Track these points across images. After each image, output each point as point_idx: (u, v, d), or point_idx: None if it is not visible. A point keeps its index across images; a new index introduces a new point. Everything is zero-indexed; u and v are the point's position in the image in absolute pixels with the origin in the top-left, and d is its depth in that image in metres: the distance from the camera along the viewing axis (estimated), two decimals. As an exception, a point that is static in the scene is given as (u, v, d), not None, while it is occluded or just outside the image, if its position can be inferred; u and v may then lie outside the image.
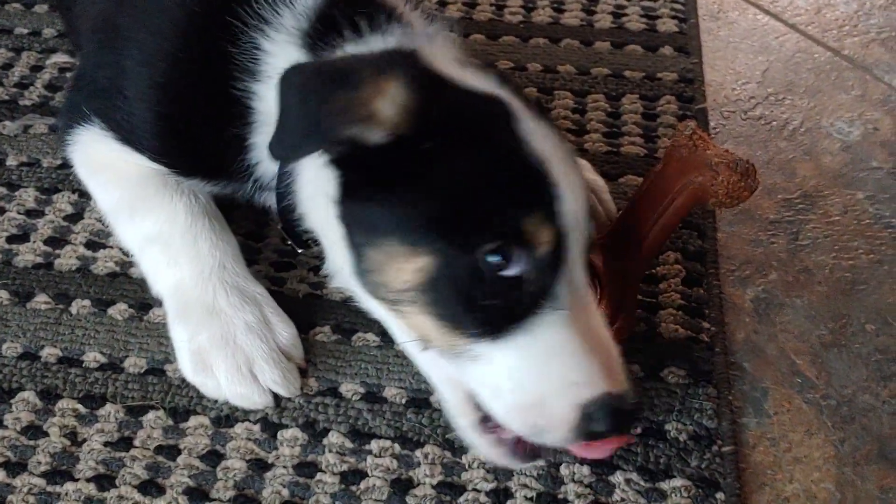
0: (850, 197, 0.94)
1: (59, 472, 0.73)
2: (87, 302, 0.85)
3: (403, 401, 0.77)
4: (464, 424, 0.69)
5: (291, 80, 0.62)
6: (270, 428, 0.75)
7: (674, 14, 1.14)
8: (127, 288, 0.86)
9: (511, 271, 0.63)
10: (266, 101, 0.74)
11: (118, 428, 0.76)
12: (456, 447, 0.73)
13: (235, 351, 0.75)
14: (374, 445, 0.74)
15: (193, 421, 0.76)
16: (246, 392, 0.74)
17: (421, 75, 0.64)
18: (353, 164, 0.65)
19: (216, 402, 0.76)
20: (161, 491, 0.72)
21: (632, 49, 1.09)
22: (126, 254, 0.88)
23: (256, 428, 0.75)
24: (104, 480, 0.72)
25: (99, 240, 0.91)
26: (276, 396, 0.76)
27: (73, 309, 0.84)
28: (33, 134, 1.03)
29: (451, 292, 0.64)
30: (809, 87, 1.06)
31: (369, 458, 0.73)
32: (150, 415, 0.77)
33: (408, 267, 0.65)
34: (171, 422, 0.76)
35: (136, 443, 0.75)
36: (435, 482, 0.71)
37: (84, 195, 0.94)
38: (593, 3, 1.17)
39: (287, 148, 0.64)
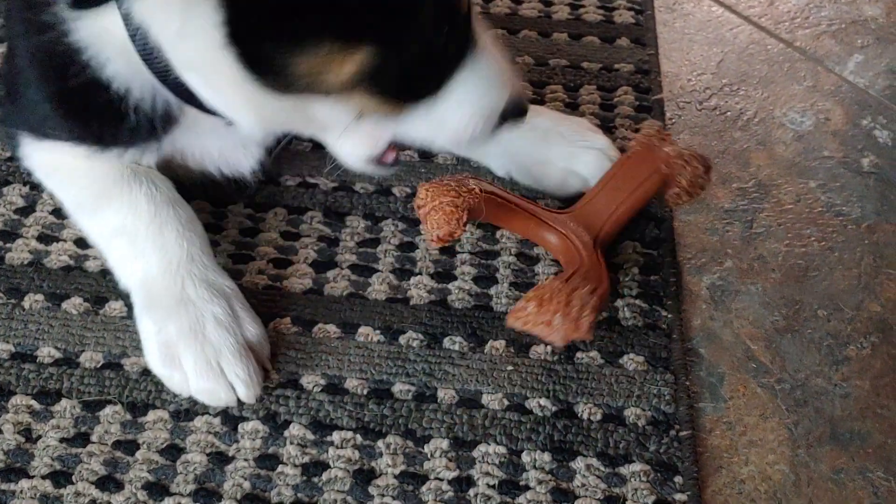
0: (803, 186, 0.96)
1: (14, 470, 0.71)
2: (40, 296, 0.83)
3: (365, 391, 0.76)
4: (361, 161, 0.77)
5: None
6: (231, 421, 0.74)
7: (630, 6, 1.15)
8: (82, 282, 0.84)
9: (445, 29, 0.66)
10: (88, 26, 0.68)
11: (74, 424, 0.74)
12: (418, 437, 0.74)
13: (204, 343, 0.73)
14: (336, 437, 0.74)
15: (152, 415, 0.75)
16: (213, 387, 0.73)
17: None
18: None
19: (175, 396, 0.75)
20: (119, 486, 0.71)
21: (589, 40, 1.10)
22: (80, 247, 0.87)
23: (216, 421, 0.74)
24: (60, 477, 0.71)
25: (52, 233, 0.89)
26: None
27: (26, 304, 0.82)
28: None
29: (393, 73, 0.65)
30: (763, 78, 1.08)
31: (331, 450, 0.73)
32: (108, 410, 0.75)
33: (346, 63, 0.62)
34: (129, 416, 0.75)
35: (94, 438, 0.74)
36: (397, 472, 0.72)
37: (35, 187, 0.92)
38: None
39: None
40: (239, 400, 0.74)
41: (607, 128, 0.99)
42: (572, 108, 1.02)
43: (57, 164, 0.83)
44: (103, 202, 0.80)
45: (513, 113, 0.75)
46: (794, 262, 0.89)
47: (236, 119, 0.70)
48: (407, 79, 0.67)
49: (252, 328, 0.76)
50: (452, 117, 0.72)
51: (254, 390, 0.74)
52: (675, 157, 0.82)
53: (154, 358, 0.75)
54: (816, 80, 1.08)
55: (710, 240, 0.91)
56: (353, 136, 0.73)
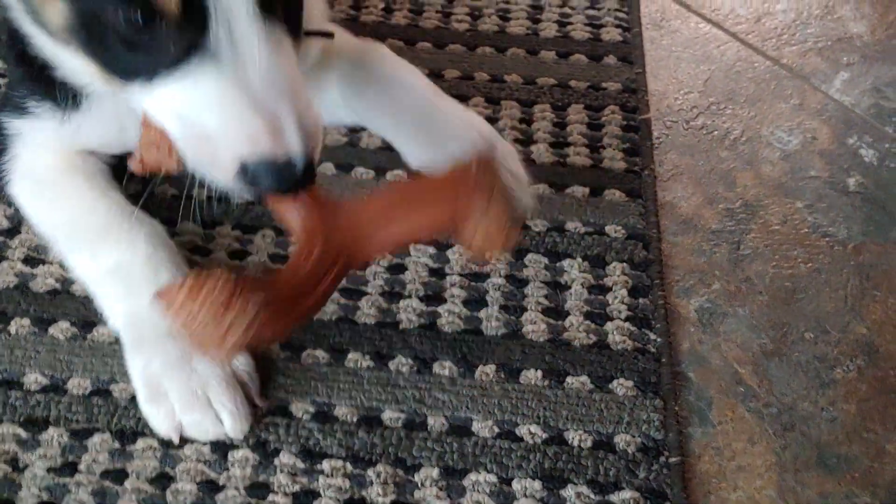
0: (790, 206, 0.96)
1: (1, 501, 0.71)
2: (26, 321, 0.82)
3: (354, 419, 0.76)
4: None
5: None
6: (220, 449, 0.74)
7: (617, 23, 1.16)
8: (68, 305, 0.84)
9: (144, 28, 0.61)
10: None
11: (62, 452, 0.74)
12: (408, 465, 0.74)
13: (191, 375, 0.73)
14: (326, 465, 0.73)
15: (141, 443, 0.74)
16: (199, 418, 0.72)
17: None
18: None
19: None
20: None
21: (577, 58, 1.10)
22: (67, 270, 0.86)
23: (206, 449, 0.74)
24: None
25: (37, 255, 0.88)
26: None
27: (12, 328, 0.82)
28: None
29: (92, 38, 0.64)
30: (750, 96, 1.08)
31: (321, 479, 0.73)
32: (96, 438, 0.75)
33: (53, 7, 0.65)
34: (117, 444, 0.74)
35: (82, 467, 0.73)
36: (388, 501, 0.71)
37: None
38: (538, 11, 1.17)
39: None
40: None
41: (595, 147, 0.99)
42: (560, 126, 1.02)
43: (47, 182, 0.83)
44: (100, 239, 0.80)
45: (262, 179, 0.64)
46: (781, 284, 0.89)
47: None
48: (113, 51, 0.64)
49: (241, 361, 0.76)
50: (158, 117, 0.66)
51: (241, 423, 0.73)
52: (477, 198, 0.68)
53: (141, 395, 0.74)
54: (803, 98, 1.08)
55: (698, 261, 0.91)
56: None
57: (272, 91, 0.63)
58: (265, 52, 0.62)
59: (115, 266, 0.78)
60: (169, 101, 0.64)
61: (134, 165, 0.71)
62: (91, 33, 0.64)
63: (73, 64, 0.71)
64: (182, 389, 0.72)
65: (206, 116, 0.64)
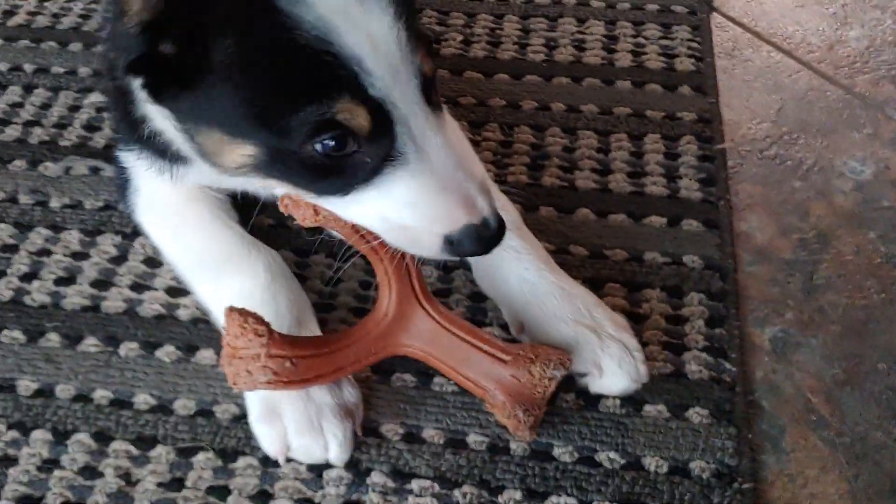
0: (863, 237, 0.98)
1: (113, 513, 0.77)
2: (134, 344, 0.89)
3: (441, 441, 0.81)
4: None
5: None
6: (316, 468, 0.79)
7: (690, 53, 1.18)
8: (174, 330, 0.90)
9: (343, 153, 0.67)
10: None
11: (170, 469, 0.80)
12: (492, 487, 0.78)
13: (307, 402, 0.77)
14: (415, 485, 0.78)
15: (242, 461, 0.80)
16: (310, 443, 0.77)
17: None
18: (141, 67, 0.67)
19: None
20: (210, 536, 0.76)
21: (652, 88, 1.13)
22: (172, 296, 0.93)
23: (303, 468, 0.79)
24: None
25: (144, 282, 0.95)
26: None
27: (122, 351, 0.89)
28: (75, 175, 1.07)
29: (288, 170, 0.71)
30: (822, 125, 1.10)
31: (410, 498, 0.77)
32: (201, 456, 0.81)
33: (237, 152, 0.71)
34: (220, 462, 0.80)
35: (188, 483, 0.79)
36: (473, 523, 0.76)
37: (127, 237, 0.99)
38: (612, 41, 1.20)
39: None
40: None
41: (672, 177, 1.02)
42: (637, 156, 1.05)
43: (172, 213, 0.90)
44: (226, 268, 0.86)
45: (466, 246, 0.72)
46: (854, 315, 0.91)
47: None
48: (313, 180, 0.71)
49: (351, 392, 0.80)
50: (360, 220, 0.73)
51: (346, 453, 0.78)
52: (538, 396, 0.76)
53: (254, 414, 0.79)
54: (876, 128, 1.09)
55: (772, 291, 0.93)
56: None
57: (454, 170, 0.70)
58: (440, 140, 0.70)
59: (237, 293, 0.83)
60: (367, 208, 0.71)
61: (283, 209, 0.78)
62: (284, 168, 0.70)
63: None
64: (298, 414, 0.77)
65: (405, 212, 0.71)
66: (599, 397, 0.83)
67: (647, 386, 0.83)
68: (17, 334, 0.91)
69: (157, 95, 0.70)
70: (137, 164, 0.88)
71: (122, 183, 0.94)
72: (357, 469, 0.79)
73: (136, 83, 0.70)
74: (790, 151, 1.07)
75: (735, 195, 1.02)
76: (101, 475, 0.80)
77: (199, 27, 0.64)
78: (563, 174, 1.04)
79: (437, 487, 0.78)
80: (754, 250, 0.97)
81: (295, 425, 0.78)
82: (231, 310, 0.74)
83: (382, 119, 0.67)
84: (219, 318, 0.84)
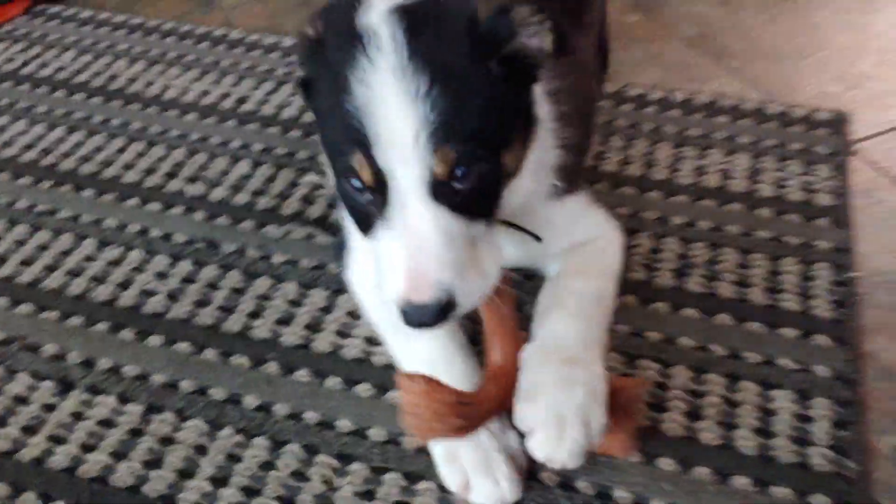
0: (984, 368, 1.08)
1: (318, 511, 0.94)
2: (338, 379, 1.08)
3: (592, 493, 0.94)
4: None
5: None
6: (484, 499, 0.94)
7: (829, 189, 1.33)
8: (370, 372, 1.08)
9: (362, 196, 0.84)
10: None
11: (364, 482, 0.97)
12: (635, 536, 0.91)
13: (478, 446, 0.93)
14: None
15: (423, 485, 0.96)
16: (482, 482, 0.91)
17: (336, 9, 0.86)
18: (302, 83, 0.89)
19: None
20: (399, 535, 0.92)
21: (790, 217, 1.28)
22: (369, 344, 1.11)
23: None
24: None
25: (347, 330, 1.14)
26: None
27: (328, 384, 1.07)
28: (293, 239, 1.29)
29: (342, 197, 0.88)
30: (951, 266, 1.21)
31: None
32: (389, 475, 0.97)
33: (332, 175, 0.89)
34: (405, 483, 0.96)
35: (378, 496, 0.95)
36: (618, 561, 0.89)
37: (335, 293, 1.19)
38: (757, 173, 1.36)
39: None
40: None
41: (806, 296, 1.15)
42: (774, 274, 1.19)
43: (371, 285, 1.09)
44: (415, 336, 1.02)
45: (407, 317, 0.81)
46: (971, 436, 1.00)
47: None
48: (350, 211, 0.88)
49: (515, 441, 0.95)
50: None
51: (518, 492, 0.92)
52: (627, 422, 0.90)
53: (439, 457, 0.95)
54: None
55: (894, 406, 1.04)
56: None
57: (422, 256, 0.81)
58: (426, 227, 0.81)
59: (424, 354, 1.01)
60: (373, 251, 0.86)
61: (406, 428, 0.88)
62: (340, 194, 0.89)
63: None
64: (473, 456, 0.93)
65: (383, 267, 0.84)
66: (732, 474, 0.95)
67: (774, 470, 0.95)
68: (244, 360, 1.11)
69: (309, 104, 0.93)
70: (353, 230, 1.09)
71: (339, 244, 1.15)
72: (518, 505, 0.94)
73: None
74: (919, 286, 1.18)
75: (864, 318, 1.14)
76: (308, 479, 0.97)
77: (321, 65, 0.84)
78: (706, 282, 1.19)
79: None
80: (880, 368, 1.08)
81: (472, 467, 0.93)
82: (414, 375, 0.86)
83: (382, 182, 0.81)
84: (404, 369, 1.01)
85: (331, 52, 0.83)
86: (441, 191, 0.81)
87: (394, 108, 0.78)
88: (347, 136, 0.81)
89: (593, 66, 1.32)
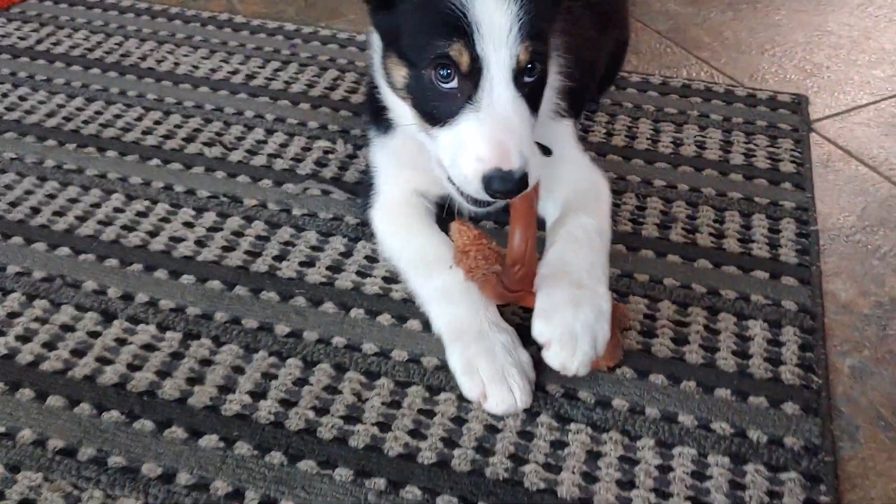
0: (928, 304, 1.24)
1: (351, 418, 1.05)
2: (361, 311, 1.19)
3: (593, 401, 1.07)
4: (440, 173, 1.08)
5: None
6: (499, 406, 1.06)
7: (792, 158, 1.49)
8: (390, 305, 1.20)
9: (448, 84, 0.99)
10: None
11: (390, 394, 1.08)
12: (632, 436, 1.03)
13: (495, 360, 1.04)
14: (572, 426, 1.04)
15: (444, 395, 1.07)
16: (498, 390, 1.02)
17: None
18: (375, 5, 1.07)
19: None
20: (424, 438, 1.03)
21: (760, 182, 1.43)
22: (387, 282, 1.23)
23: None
24: (383, 427, 1.04)
25: (366, 271, 1.25)
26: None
27: (352, 314, 1.18)
28: (310, 195, 1.40)
29: (419, 93, 1.03)
30: (898, 223, 1.38)
31: (570, 434, 1.03)
32: (413, 388, 1.08)
33: (400, 72, 1.06)
34: (427, 395, 1.08)
35: (404, 405, 1.06)
36: (617, 456, 1.01)
37: (353, 240, 1.30)
38: (728, 145, 1.52)
39: None
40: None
41: (774, 246, 1.30)
42: (746, 228, 1.34)
43: (399, 224, 1.22)
44: (432, 267, 1.16)
45: (492, 185, 0.96)
46: (918, 358, 1.16)
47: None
48: (428, 102, 1.03)
49: (525, 357, 1.07)
50: (443, 151, 1.02)
51: (529, 399, 1.04)
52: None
53: (459, 369, 1.06)
54: (944, 230, 1.36)
55: (853, 335, 1.19)
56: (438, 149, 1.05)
57: (507, 132, 0.97)
58: (510, 108, 0.98)
59: (441, 286, 1.13)
60: (450, 136, 1.01)
61: (457, 265, 1.01)
62: (418, 90, 1.04)
63: (402, 111, 1.13)
64: (489, 368, 1.04)
65: (467, 144, 0.98)
66: (715, 387, 1.09)
67: (752, 384, 1.09)
68: (273, 295, 1.22)
69: (374, 15, 1.09)
70: (382, 166, 1.21)
71: (366, 183, 1.28)
72: (529, 411, 1.06)
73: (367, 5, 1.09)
74: (870, 238, 1.34)
75: (825, 264, 1.29)
76: (339, 392, 1.08)
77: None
78: (686, 234, 1.33)
79: (590, 430, 1.04)
80: (839, 305, 1.23)
81: (488, 376, 1.04)
82: (463, 224, 0.99)
83: (477, 68, 0.97)
84: (426, 301, 1.15)
85: None
86: (519, 80, 0.99)
87: (492, 6, 0.97)
88: (445, 30, 0.97)
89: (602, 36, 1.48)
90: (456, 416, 1.05)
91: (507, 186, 0.97)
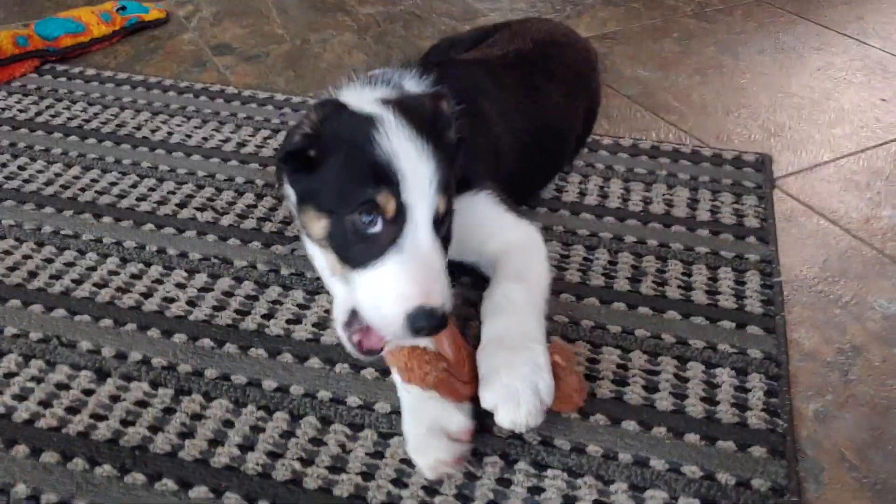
0: (888, 351, 1.29)
1: (336, 468, 1.09)
2: (345, 365, 1.24)
3: (568, 448, 1.12)
4: (337, 323, 1.13)
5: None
6: (477, 452, 1.11)
7: (756, 214, 1.56)
8: (375, 361, 1.25)
9: (372, 229, 1.05)
10: None
11: (373, 446, 1.12)
12: (605, 480, 1.08)
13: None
14: (549, 473, 1.08)
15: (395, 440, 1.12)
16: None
17: (328, 107, 1.12)
18: (290, 161, 1.13)
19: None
20: (406, 486, 1.07)
21: (726, 237, 1.51)
22: (371, 337, 1.28)
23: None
24: (366, 476, 1.08)
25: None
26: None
27: (337, 369, 1.23)
28: (298, 255, 1.47)
29: (341, 238, 1.09)
30: (858, 274, 1.44)
31: (546, 481, 1.08)
32: (395, 439, 1.13)
33: (319, 224, 1.11)
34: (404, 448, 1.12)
35: (387, 455, 1.11)
36: (591, 500, 1.05)
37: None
38: (694, 204, 1.59)
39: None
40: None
41: (740, 296, 1.37)
42: (713, 280, 1.40)
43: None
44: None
45: (417, 322, 1.00)
46: (879, 402, 1.21)
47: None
48: (350, 247, 1.08)
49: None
50: (363, 293, 1.06)
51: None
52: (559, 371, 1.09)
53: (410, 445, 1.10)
54: (902, 280, 1.43)
55: (816, 381, 1.24)
56: (337, 296, 1.14)
57: (430, 272, 1.04)
58: (427, 247, 1.05)
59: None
60: (372, 278, 1.05)
61: (407, 383, 1.08)
62: (340, 235, 1.10)
63: (318, 257, 1.21)
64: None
65: (390, 286, 1.03)
66: (685, 433, 1.14)
67: (720, 429, 1.14)
68: (261, 351, 1.27)
69: (292, 176, 1.17)
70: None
71: None
72: (507, 458, 1.10)
73: (285, 168, 1.17)
74: (832, 289, 1.41)
75: (788, 314, 1.35)
76: (325, 444, 1.12)
77: (332, 141, 1.09)
78: (656, 287, 1.39)
79: (566, 476, 1.09)
80: (803, 352, 1.29)
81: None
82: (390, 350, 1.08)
83: (401, 214, 1.05)
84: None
85: (342, 129, 1.10)
86: (437, 226, 1.08)
87: (415, 159, 1.07)
88: (373, 179, 1.05)
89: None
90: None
91: (432, 323, 1.02)
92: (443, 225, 1.10)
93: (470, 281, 1.35)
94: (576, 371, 1.14)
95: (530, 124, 1.47)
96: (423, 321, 1.01)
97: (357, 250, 1.07)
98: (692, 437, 1.14)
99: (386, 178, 1.05)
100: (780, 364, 1.25)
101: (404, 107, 1.14)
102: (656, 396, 1.20)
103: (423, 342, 1.09)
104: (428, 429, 1.09)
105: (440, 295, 1.02)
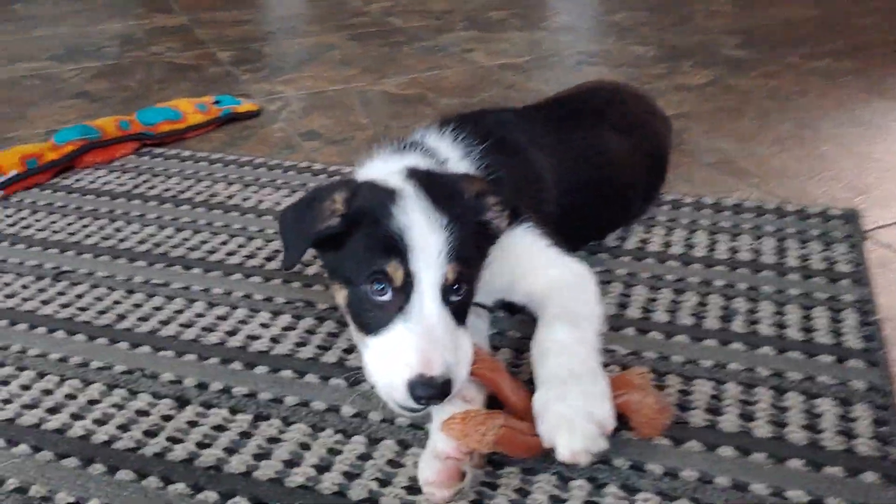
0: None
1: (413, 488, 1.05)
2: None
3: (661, 472, 1.05)
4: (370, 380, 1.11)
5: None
6: (563, 475, 1.05)
7: (848, 260, 1.51)
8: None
9: (382, 297, 1.08)
10: None
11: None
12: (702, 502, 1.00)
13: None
14: (640, 496, 1.02)
15: (507, 469, 1.07)
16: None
17: (353, 185, 1.17)
18: (322, 241, 1.17)
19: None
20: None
21: (817, 280, 1.45)
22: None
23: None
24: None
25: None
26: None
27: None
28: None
29: (357, 306, 1.12)
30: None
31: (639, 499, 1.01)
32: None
33: (341, 293, 1.17)
34: (491, 468, 1.08)
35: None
36: (689, 516, 0.98)
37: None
38: (783, 252, 1.55)
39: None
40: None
41: (838, 332, 1.30)
42: (807, 318, 1.34)
43: None
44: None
45: (416, 391, 1.01)
46: None
47: None
48: (363, 314, 1.11)
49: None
50: (370, 358, 1.09)
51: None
52: (641, 388, 1.06)
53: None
54: None
55: (928, 413, 1.15)
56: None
57: (432, 341, 1.04)
58: (435, 317, 1.06)
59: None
60: (381, 344, 1.08)
61: (469, 450, 1.04)
62: (356, 303, 1.13)
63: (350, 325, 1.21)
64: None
65: (393, 353, 1.05)
66: (787, 459, 1.06)
67: (825, 455, 1.06)
68: (341, 381, 1.25)
69: (322, 253, 1.23)
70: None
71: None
72: (595, 482, 1.04)
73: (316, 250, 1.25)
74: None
75: (889, 352, 1.28)
76: (403, 466, 1.09)
77: (356, 218, 1.13)
78: (747, 325, 1.34)
79: (658, 499, 1.02)
80: (907, 387, 1.21)
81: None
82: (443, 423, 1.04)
83: (409, 283, 1.07)
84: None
85: (366, 206, 1.13)
86: (446, 296, 1.09)
87: (425, 230, 1.09)
88: (384, 250, 1.08)
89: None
90: (519, 487, 1.05)
91: (430, 392, 1.02)
92: (457, 295, 1.11)
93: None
94: (653, 392, 1.08)
95: (576, 166, 1.48)
96: (422, 390, 1.01)
97: (369, 317, 1.10)
98: (796, 463, 1.06)
99: (395, 248, 1.08)
100: (888, 394, 1.17)
101: (427, 178, 1.18)
102: (752, 425, 1.13)
103: (475, 405, 1.10)
104: (429, 449, 1.07)
105: (440, 364, 1.02)
